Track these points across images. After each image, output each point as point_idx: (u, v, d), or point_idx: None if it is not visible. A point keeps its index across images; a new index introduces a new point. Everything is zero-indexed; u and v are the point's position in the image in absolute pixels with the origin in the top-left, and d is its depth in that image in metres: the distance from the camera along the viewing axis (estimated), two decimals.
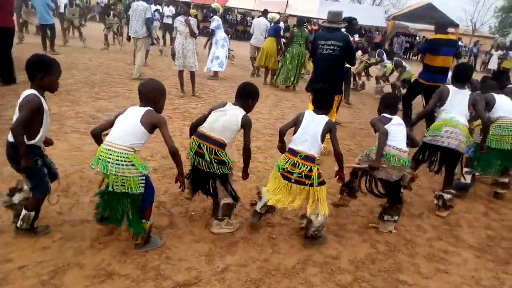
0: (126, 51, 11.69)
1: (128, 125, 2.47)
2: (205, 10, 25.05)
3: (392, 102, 3.29)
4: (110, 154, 2.38)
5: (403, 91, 8.89)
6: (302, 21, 9.33)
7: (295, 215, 3.39)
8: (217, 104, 3.04)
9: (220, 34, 9.24)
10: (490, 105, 4.08)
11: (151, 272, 2.48)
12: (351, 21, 6.78)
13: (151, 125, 2.49)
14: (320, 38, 4.79)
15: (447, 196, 3.70)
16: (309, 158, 2.83)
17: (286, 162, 2.87)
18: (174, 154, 2.51)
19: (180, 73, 7.37)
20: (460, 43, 26.54)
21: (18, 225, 2.63)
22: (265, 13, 10.83)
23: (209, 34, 9.85)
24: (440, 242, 3.25)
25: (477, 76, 8.24)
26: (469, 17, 36.89)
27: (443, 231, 3.44)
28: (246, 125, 2.89)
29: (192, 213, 3.25)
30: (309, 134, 2.88)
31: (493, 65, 23.23)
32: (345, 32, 5.00)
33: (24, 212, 2.60)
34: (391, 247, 3.10)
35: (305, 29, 9.29)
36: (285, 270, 2.67)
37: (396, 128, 3.13)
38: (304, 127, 2.92)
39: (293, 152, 2.87)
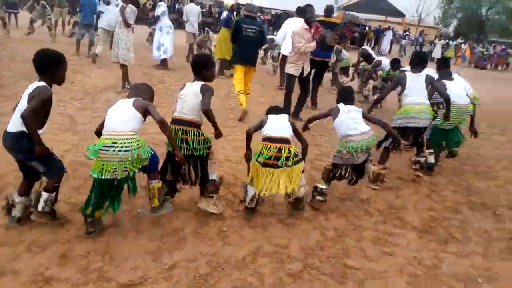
0: (71, 42, 11.07)
1: (124, 113, 2.65)
2: None
3: (348, 95, 3.67)
4: (115, 142, 2.51)
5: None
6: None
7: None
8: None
9: (165, 21, 9.03)
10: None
11: (93, 274, 2.37)
12: (304, 10, 6.95)
13: (143, 109, 2.69)
14: (244, 23, 5.92)
15: (422, 159, 4.31)
16: (288, 141, 3.07)
17: (269, 151, 3.00)
18: (162, 122, 2.70)
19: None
20: (407, 32, 27.62)
21: (40, 209, 2.65)
22: None
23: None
24: (386, 225, 3.37)
25: None
26: (415, 7, 38.41)
27: (388, 214, 3.57)
28: (205, 90, 3.00)
29: (138, 210, 3.13)
30: (281, 124, 3.17)
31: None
32: (259, 20, 7.09)
33: (45, 194, 2.65)
34: (339, 232, 3.16)
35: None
36: (235, 263, 2.64)
37: (348, 115, 3.44)
38: (274, 120, 3.20)
39: (273, 140, 3.05)
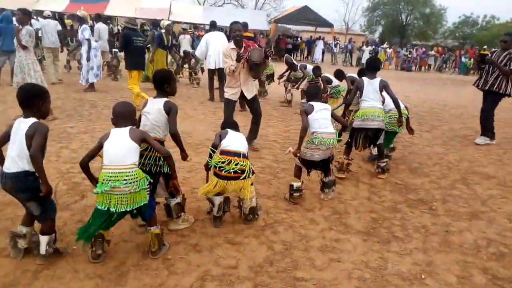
0: None
1: (123, 146, 2.64)
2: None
3: (314, 92, 4.14)
4: (117, 176, 2.55)
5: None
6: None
7: (191, 230, 3.27)
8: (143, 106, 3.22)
9: (92, 44, 8.91)
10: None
11: None
12: (214, 24, 9.29)
13: (139, 138, 2.71)
14: (132, 36, 7.35)
15: (383, 164, 4.80)
16: (245, 156, 3.27)
17: (228, 164, 3.16)
18: (160, 150, 2.85)
19: None
20: (337, 41, 28.96)
21: (43, 252, 2.65)
22: (98, 18, 10.89)
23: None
24: (332, 232, 3.42)
25: (353, 71, 9.03)
26: (342, 17, 40.58)
27: (333, 220, 3.63)
28: (169, 108, 3.07)
29: (74, 247, 2.90)
30: (239, 140, 3.35)
31: (366, 59, 25.85)
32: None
33: (45, 238, 2.64)
34: (287, 245, 3.15)
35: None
36: None
37: (321, 114, 3.87)
38: (233, 135, 3.38)
39: (232, 154, 3.20)
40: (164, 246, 2.95)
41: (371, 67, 4.80)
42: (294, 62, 9.53)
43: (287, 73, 9.58)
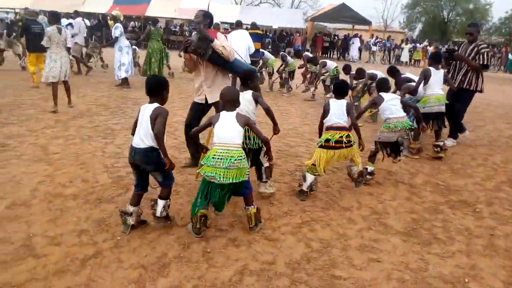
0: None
1: (231, 128, 3.03)
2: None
3: (341, 86, 4.16)
4: (226, 152, 2.94)
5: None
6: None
7: (230, 224, 3.33)
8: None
9: (124, 42, 9.58)
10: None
11: None
12: (240, 23, 9.57)
13: (244, 123, 3.08)
14: (31, 24, 8.67)
15: (441, 143, 5.39)
16: (347, 128, 3.91)
17: (334, 136, 3.80)
18: (265, 140, 3.34)
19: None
20: (378, 39, 28.30)
21: (158, 214, 3.13)
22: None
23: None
24: (370, 232, 3.38)
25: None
26: (380, 14, 39.58)
27: (372, 220, 3.58)
28: (158, 113, 2.98)
29: (119, 238, 3.04)
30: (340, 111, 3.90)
31: (405, 57, 25.16)
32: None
33: (162, 202, 3.13)
34: (325, 243, 3.15)
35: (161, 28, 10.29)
36: (221, 285, 2.58)
37: (392, 102, 4.43)
38: (336, 110, 3.90)
39: (335, 128, 3.85)
40: (260, 223, 3.29)
41: (438, 59, 5.69)
42: (289, 59, 10.39)
43: (304, 69, 10.37)
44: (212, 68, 4.18)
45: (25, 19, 9.50)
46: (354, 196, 4.06)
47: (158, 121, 2.91)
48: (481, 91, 5.96)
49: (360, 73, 7.82)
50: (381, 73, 7.56)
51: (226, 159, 2.92)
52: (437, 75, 5.45)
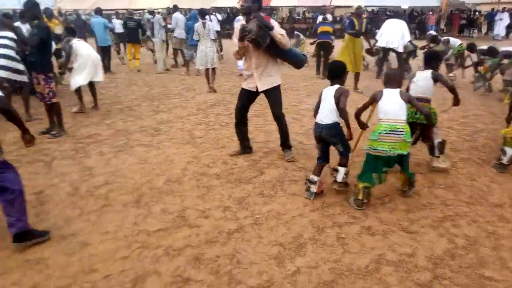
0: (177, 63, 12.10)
1: (396, 104, 3.24)
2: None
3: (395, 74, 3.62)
4: (392, 127, 3.17)
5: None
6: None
7: (363, 214, 3.29)
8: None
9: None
10: None
11: (225, 277, 2.53)
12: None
13: (407, 100, 3.29)
14: (128, 20, 10.74)
15: None
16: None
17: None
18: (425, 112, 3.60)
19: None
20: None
21: (340, 179, 3.51)
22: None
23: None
24: None
25: None
26: None
27: None
28: (340, 93, 3.43)
29: (257, 216, 3.27)
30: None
31: None
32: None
33: (343, 169, 3.51)
34: (471, 241, 2.89)
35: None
36: (358, 271, 2.59)
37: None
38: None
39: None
40: (413, 188, 3.54)
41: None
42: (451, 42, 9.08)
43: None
44: (265, 55, 4.12)
45: (126, 17, 11.61)
46: (506, 192, 3.62)
47: (342, 99, 3.33)
48: None
49: (492, 51, 6.91)
50: None
51: (395, 133, 3.15)
52: None
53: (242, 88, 4.36)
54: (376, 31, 9.82)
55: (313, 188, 3.49)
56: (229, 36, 14.81)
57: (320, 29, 10.06)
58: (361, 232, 3.04)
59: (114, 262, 2.70)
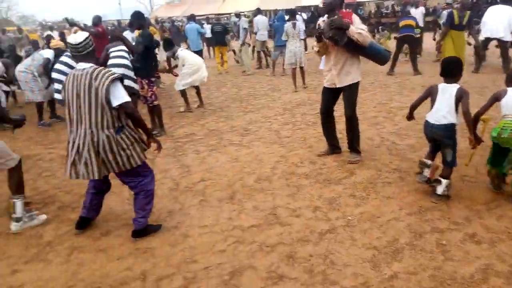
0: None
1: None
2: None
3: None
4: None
5: None
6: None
7: (466, 219, 3.07)
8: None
9: None
10: None
11: (318, 276, 2.55)
12: None
13: None
14: (214, 25, 11.55)
15: None
16: None
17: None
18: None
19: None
20: None
21: (439, 192, 3.33)
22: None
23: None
24: None
25: None
26: None
27: None
28: (462, 93, 3.29)
29: (349, 218, 3.23)
30: None
31: None
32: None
33: (446, 181, 3.33)
34: None
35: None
36: (462, 280, 2.43)
37: None
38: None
39: None
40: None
41: None
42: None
43: None
44: (343, 52, 4.05)
45: (213, 22, 12.50)
46: None
47: (464, 101, 3.21)
48: None
49: None
50: None
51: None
52: None
53: (324, 87, 4.38)
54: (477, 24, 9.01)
55: (426, 172, 3.41)
56: (313, 35, 14.78)
57: (402, 23, 9.53)
58: (464, 239, 2.84)
59: (212, 254, 2.87)
